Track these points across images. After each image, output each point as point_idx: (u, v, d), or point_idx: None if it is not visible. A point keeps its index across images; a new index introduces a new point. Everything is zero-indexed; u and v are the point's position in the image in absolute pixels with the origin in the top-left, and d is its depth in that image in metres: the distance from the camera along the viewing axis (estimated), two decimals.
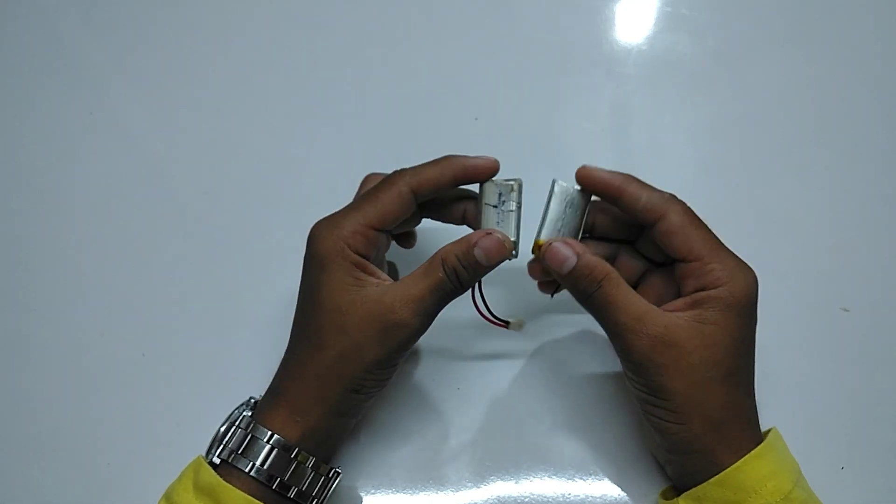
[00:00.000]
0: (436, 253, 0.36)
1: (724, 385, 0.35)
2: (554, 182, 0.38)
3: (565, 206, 0.37)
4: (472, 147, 0.53)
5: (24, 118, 0.56)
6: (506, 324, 0.40)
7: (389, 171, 0.41)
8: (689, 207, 0.37)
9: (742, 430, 0.35)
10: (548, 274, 0.39)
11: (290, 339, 0.38)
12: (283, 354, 0.40)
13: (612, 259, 0.41)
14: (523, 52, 0.58)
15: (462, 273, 0.35)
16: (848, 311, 0.46)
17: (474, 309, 0.39)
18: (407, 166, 0.47)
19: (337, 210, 0.38)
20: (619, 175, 0.37)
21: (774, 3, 0.60)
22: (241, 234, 0.50)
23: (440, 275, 0.35)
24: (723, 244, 0.37)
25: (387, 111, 0.55)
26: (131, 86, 0.58)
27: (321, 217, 0.41)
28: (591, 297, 0.36)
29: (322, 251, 0.36)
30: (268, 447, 0.34)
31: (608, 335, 0.37)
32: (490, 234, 0.36)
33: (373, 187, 0.38)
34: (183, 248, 0.50)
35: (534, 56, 0.58)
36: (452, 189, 0.39)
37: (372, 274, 0.36)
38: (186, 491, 0.33)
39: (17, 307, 0.48)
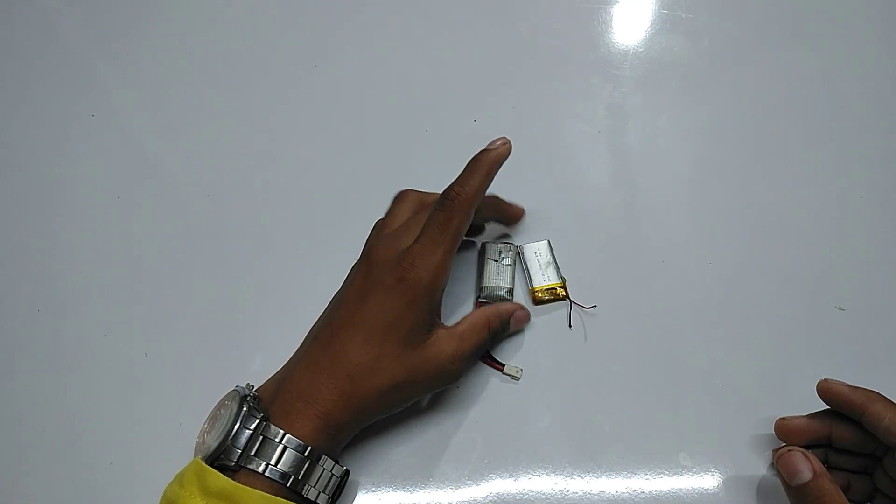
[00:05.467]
0: (477, 317, 0.41)
1: None
2: (520, 247, 0.48)
3: (537, 259, 0.47)
4: (470, 149, 0.53)
5: (27, 120, 0.57)
6: (501, 366, 0.44)
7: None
8: None
9: None
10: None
11: (334, 349, 0.37)
12: (286, 354, 0.40)
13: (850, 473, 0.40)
14: (521, 54, 0.58)
15: (499, 336, 0.43)
16: (843, 309, 0.46)
17: None
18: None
19: (419, 240, 0.38)
20: (861, 392, 0.37)
21: (770, 6, 0.60)
22: (242, 235, 0.50)
23: (485, 336, 0.41)
24: None
25: (385, 113, 0.56)
26: (133, 87, 0.58)
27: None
28: None
29: (420, 291, 0.37)
30: (301, 457, 0.34)
31: None
32: (523, 309, 0.44)
33: (441, 216, 0.38)
34: (185, 249, 0.50)
35: (531, 58, 0.58)
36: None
37: (438, 315, 0.40)
38: (193, 496, 0.33)
39: (21, 308, 0.48)
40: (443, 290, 0.39)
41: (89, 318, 0.47)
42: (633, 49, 0.59)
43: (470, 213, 0.39)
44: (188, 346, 0.46)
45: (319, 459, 0.35)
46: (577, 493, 0.41)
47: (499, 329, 0.42)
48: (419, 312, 0.37)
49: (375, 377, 0.36)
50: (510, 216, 0.48)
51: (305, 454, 0.34)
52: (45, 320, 0.48)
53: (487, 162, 0.40)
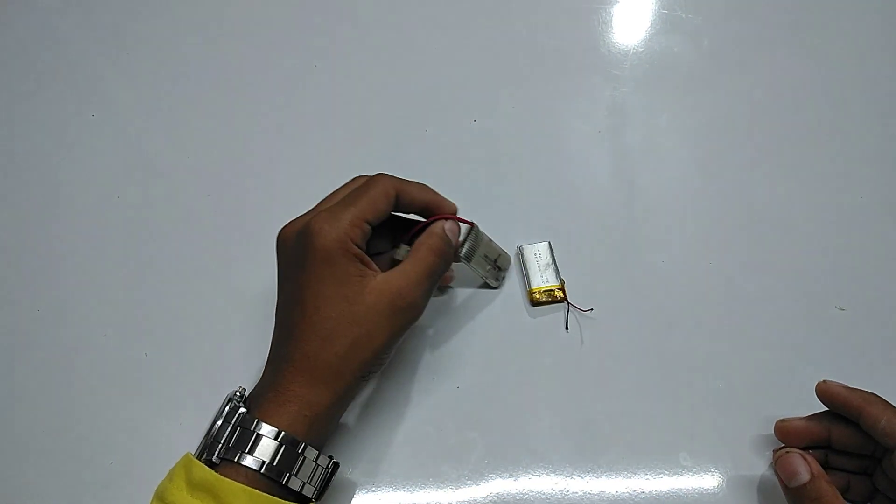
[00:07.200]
0: (418, 245, 0.40)
1: None
2: (520, 248, 0.48)
3: (537, 261, 0.47)
4: (470, 148, 0.54)
5: (27, 120, 0.57)
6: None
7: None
8: None
9: None
10: None
11: (284, 335, 0.38)
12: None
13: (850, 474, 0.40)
14: (521, 54, 0.58)
15: (449, 254, 0.40)
16: (843, 309, 0.46)
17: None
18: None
19: (325, 206, 0.39)
20: (859, 394, 0.37)
21: (770, 6, 0.60)
22: (242, 235, 0.50)
23: (432, 259, 0.39)
24: None
25: (386, 113, 0.56)
26: (133, 87, 0.58)
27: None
28: None
29: (327, 245, 0.37)
30: (275, 444, 0.34)
31: None
32: (447, 218, 0.41)
33: (362, 185, 0.40)
34: (185, 249, 0.50)
35: (531, 58, 0.58)
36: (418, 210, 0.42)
37: (368, 265, 0.38)
38: (179, 490, 0.33)
39: (21, 308, 0.48)
40: (358, 244, 0.37)
41: (89, 318, 0.47)
42: (633, 49, 0.59)
43: (389, 194, 0.39)
44: (188, 346, 0.46)
45: (296, 446, 0.35)
46: (577, 493, 0.41)
47: (444, 247, 0.40)
48: (338, 266, 0.37)
49: (331, 346, 0.36)
50: (437, 208, 0.42)
51: (278, 440, 0.34)
52: (45, 320, 0.48)
53: (428, 190, 0.41)
